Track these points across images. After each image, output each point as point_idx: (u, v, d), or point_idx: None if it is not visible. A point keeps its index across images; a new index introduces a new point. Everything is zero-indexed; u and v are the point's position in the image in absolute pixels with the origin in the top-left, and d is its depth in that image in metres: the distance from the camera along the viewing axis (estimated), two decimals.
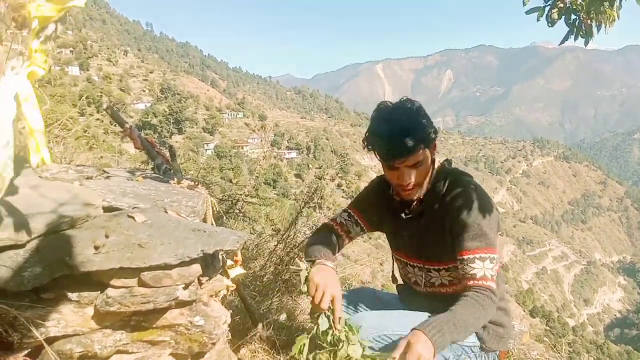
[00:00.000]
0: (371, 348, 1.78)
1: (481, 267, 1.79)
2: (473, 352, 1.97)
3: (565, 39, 2.74)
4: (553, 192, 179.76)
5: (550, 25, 2.70)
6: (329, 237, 2.12)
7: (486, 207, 1.87)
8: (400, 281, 2.29)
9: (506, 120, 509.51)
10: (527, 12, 2.74)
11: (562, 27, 2.76)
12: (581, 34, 2.66)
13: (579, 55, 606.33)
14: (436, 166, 2.01)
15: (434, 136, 1.85)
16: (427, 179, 1.94)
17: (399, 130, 1.77)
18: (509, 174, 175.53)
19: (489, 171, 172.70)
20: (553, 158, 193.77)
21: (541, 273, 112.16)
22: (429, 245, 1.98)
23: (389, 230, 2.19)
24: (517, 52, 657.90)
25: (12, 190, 1.50)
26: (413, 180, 1.87)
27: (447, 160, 2.09)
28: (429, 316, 1.95)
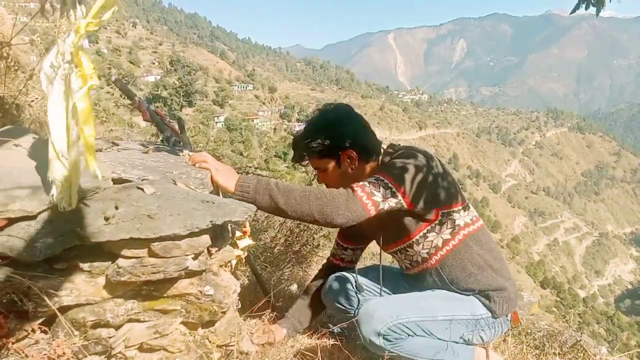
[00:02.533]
0: (386, 339, 1.82)
1: (366, 180, 1.83)
2: (486, 322, 1.99)
3: (576, 7, 2.64)
4: (566, 163, 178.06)
5: None
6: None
7: (405, 156, 1.91)
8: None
9: (520, 90, 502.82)
10: None
11: None
12: (592, 1, 2.57)
13: (595, 24, 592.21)
14: (369, 166, 2.03)
15: (333, 150, 1.96)
16: (349, 180, 1.93)
17: (295, 139, 2.06)
18: (522, 145, 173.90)
19: (502, 142, 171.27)
20: (567, 129, 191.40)
21: (552, 244, 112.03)
22: (389, 225, 2.02)
23: (367, 231, 2.25)
24: (531, 20, 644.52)
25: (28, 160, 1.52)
26: (326, 181, 2.04)
27: (390, 145, 2.08)
28: (431, 291, 2.03)
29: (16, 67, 2.97)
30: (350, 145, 1.95)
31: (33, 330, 1.33)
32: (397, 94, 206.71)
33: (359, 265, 2.47)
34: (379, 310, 1.86)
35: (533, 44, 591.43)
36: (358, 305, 2.23)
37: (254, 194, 1.72)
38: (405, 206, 1.85)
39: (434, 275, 2.02)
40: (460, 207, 1.99)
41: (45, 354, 1.31)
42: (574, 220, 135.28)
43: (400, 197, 1.82)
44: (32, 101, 3.02)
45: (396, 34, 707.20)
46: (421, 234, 1.96)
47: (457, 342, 1.96)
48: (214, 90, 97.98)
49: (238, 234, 1.77)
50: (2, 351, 1.27)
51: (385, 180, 1.81)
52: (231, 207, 1.51)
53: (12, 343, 1.28)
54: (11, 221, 1.28)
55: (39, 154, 1.52)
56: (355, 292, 2.24)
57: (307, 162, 2.07)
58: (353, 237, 2.33)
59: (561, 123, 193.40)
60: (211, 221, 1.41)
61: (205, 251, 1.49)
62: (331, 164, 1.98)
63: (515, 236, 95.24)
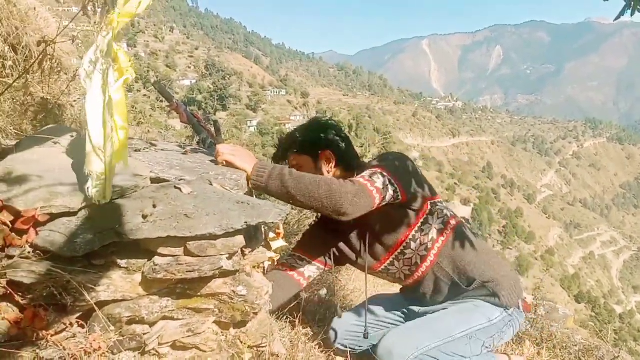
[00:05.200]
0: None
1: (362, 174, 1.86)
2: (504, 322, 1.99)
3: (621, 13, 2.57)
4: (604, 175, 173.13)
5: None
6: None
7: (390, 155, 2.01)
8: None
9: (557, 99, 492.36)
10: None
11: (618, 1, 2.60)
12: (638, 8, 2.50)
13: (637, 31, 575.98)
14: (346, 174, 2.04)
15: (313, 147, 2.04)
16: None
17: (281, 137, 2.19)
18: (558, 155, 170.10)
19: (538, 152, 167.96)
20: (605, 139, 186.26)
21: (588, 258, 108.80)
22: (380, 226, 2.02)
23: (343, 248, 2.19)
24: (570, 28, 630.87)
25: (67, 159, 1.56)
26: None
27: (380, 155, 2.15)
28: (443, 308, 2.02)
29: (59, 69, 3.06)
30: (330, 147, 2.04)
31: (71, 324, 1.36)
32: (430, 101, 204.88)
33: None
34: (398, 346, 1.86)
35: (571, 52, 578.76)
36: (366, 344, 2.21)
37: (267, 179, 1.75)
38: (400, 197, 1.88)
39: (436, 272, 2.01)
40: (440, 200, 2.06)
41: (81, 348, 1.33)
42: (612, 233, 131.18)
43: (396, 186, 1.85)
44: (74, 101, 3.11)
45: (431, 40, 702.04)
46: (416, 227, 1.98)
47: (480, 354, 1.95)
48: (248, 94, 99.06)
49: (271, 235, 1.78)
50: (42, 343, 1.30)
51: (380, 171, 1.84)
52: (265, 209, 1.51)
53: (51, 335, 1.31)
54: (53, 217, 1.32)
55: (79, 151, 1.56)
56: (364, 334, 2.19)
57: (286, 160, 2.11)
58: (337, 258, 2.23)
59: (599, 133, 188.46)
60: (246, 222, 1.42)
61: (239, 252, 1.50)
62: (307, 161, 2.05)
63: (550, 248, 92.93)
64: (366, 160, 2.13)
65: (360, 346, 2.23)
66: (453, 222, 2.03)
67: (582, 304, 58.33)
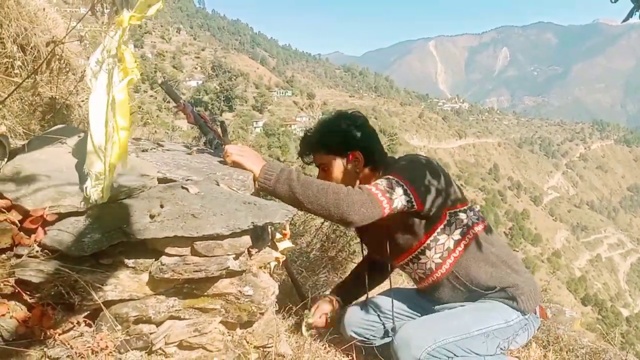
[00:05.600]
0: None
1: (378, 181, 1.85)
2: (520, 325, 1.98)
3: (630, 15, 2.56)
4: (611, 177, 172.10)
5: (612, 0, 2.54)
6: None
7: (410, 160, 2.00)
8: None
9: (564, 100, 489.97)
10: None
11: (627, 2, 2.59)
12: None
13: None
14: (372, 173, 2.05)
15: (342, 148, 2.01)
16: (351, 182, 1.99)
17: (307, 133, 2.13)
18: (565, 157, 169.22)
19: (544, 153, 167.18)
20: (613, 141, 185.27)
21: (595, 260, 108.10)
22: (398, 234, 2.02)
23: (374, 244, 2.26)
24: (577, 30, 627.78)
25: (73, 159, 1.56)
26: (326, 180, 1.97)
27: (391, 157, 2.13)
28: (461, 305, 2.01)
29: (67, 70, 3.08)
30: (359, 147, 2.00)
31: (78, 323, 1.36)
32: (436, 102, 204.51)
33: None
34: (416, 336, 1.86)
35: (579, 54, 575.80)
36: (383, 335, 2.22)
37: (275, 183, 1.75)
38: (415, 206, 1.85)
39: (451, 280, 2.00)
40: (466, 207, 2.01)
41: (88, 347, 1.34)
42: (619, 235, 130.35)
43: (411, 196, 1.83)
44: (82, 102, 3.13)
45: (437, 42, 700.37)
46: (432, 237, 1.96)
47: (494, 354, 1.94)
48: (254, 95, 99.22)
49: (278, 236, 1.78)
50: (49, 341, 1.31)
51: (396, 179, 1.83)
52: (272, 209, 1.52)
53: (59, 334, 1.32)
54: (61, 216, 1.33)
55: (85, 151, 1.57)
56: (380, 321, 2.22)
57: (311, 157, 2.10)
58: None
59: (607, 135, 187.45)
60: (253, 222, 1.42)
61: (246, 252, 1.50)
62: (337, 162, 2.02)
63: (557, 250, 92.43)
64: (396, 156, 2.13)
65: (374, 336, 2.23)
66: (474, 231, 1.99)
67: (588, 307, 57.99)
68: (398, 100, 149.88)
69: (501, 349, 1.95)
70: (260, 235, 1.65)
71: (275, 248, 1.77)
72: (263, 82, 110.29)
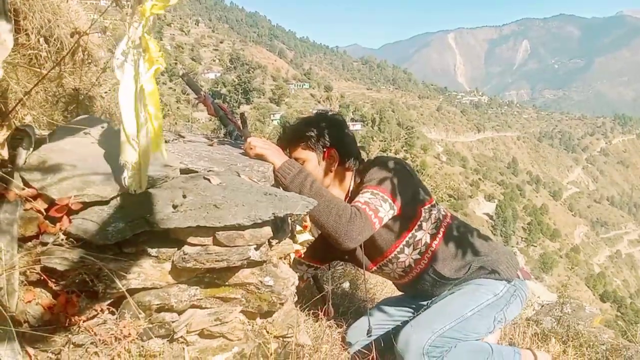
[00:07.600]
0: (431, 356, 1.84)
1: (366, 196, 1.91)
2: (510, 293, 2.05)
3: None
4: (633, 172, 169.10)
5: None
6: None
7: (386, 163, 2.04)
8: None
9: (585, 94, 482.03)
10: None
11: None
12: None
13: None
14: (347, 173, 2.12)
15: (318, 144, 2.04)
16: (325, 180, 2.07)
17: (286, 127, 2.19)
18: (586, 152, 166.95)
19: (564, 148, 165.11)
20: (635, 136, 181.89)
21: (615, 256, 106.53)
22: (375, 238, 2.04)
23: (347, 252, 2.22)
24: (601, 22, 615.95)
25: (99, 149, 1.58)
26: None
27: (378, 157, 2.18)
28: (450, 293, 2.07)
29: (90, 61, 3.11)
30: (335, 146, 2.06)
31: (102, 311, 1.38)
32: (455, 95, 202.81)
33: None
34: (413, 335, 1.89)
35: (601, 46, 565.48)
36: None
37: (290, 182, 1.81)
38: (397, 213, 1.95)
39: (430, 274, 2.06)
40: (435, 202, 2.11)
41: (112, 334, 1.36)
42: (639, 232, 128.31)
43: (395, 207, 1.93)
44: (105, 93, 3.16)
45: (456, 34, 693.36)
46: (410, 234, 2.03)
47: (493, 329, 2.02)
48: (271, 88, 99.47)
49: (298, 228, 1.79)
50: (74, 328, 1.33)
51: (382, 194, 1.91)
52: (293, 201, 1.52)
53: (83, 321, 1.34)
54: (85, 205, 1.34)
55: (110, 141, 1.58)
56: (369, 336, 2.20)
57: (288, 152, 2.11)
58: (324, 259, 2.28)
59: (629, 130, 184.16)
60: (273, 213, 1.43)
61: (267, 242, 1.51)
62: (312, 157, 2.05)
63: (575, 246, 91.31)
64: (375, 155, 2.21)
65: (357, 340, 2.23)
66: (445, 223, 2.08)
67: (607, 304, 57.25)
68: (416, 93, 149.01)
69: (498, 321, 2.02)
70: (280, 227, 1.66)
71: (295, 240, 1.78)
72: (280, 74, 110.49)
